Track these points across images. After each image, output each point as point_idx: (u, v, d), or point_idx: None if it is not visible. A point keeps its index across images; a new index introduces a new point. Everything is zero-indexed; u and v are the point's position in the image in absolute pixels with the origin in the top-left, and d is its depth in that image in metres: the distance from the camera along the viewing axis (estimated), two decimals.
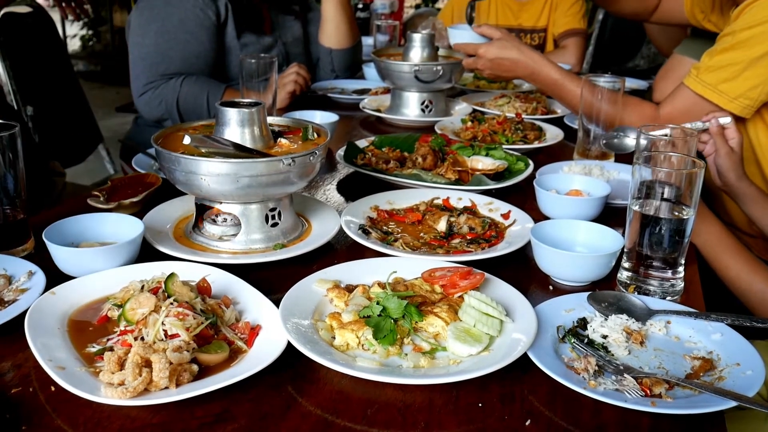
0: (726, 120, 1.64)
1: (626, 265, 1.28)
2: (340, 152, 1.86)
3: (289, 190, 1.37)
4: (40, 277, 1.18)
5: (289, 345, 1.01)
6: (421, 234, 1.46)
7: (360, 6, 5.32)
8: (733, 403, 0.92)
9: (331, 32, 2.84)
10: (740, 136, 1.65)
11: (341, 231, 1.43)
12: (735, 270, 1.44)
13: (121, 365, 0.95)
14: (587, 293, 1.19)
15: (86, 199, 1.52)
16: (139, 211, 1.49)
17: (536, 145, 2.08)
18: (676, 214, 1.22)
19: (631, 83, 2.99)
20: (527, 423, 0.92)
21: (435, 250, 1.38)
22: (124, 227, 1.32)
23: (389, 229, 1.47)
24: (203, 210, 1.39)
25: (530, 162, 1.84)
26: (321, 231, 1.44)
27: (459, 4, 3.70)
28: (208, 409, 0.92)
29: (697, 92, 1.86)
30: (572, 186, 1.64)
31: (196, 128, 1.47)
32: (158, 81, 2.40)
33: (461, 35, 2.24)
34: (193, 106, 2.40)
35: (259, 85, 1.99)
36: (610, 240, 1.32)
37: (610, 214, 1.55)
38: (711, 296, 1.35)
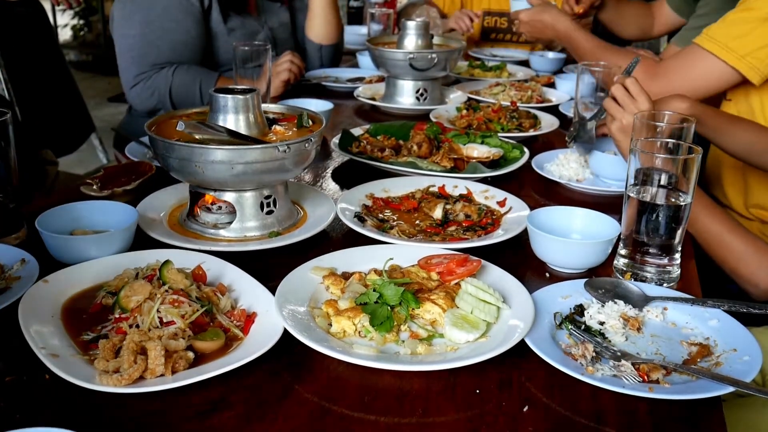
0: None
1: (623, 251, 1.28)
2: (335, 140, 1.85)
3: (284, 178, 1.36)
4: (33, 265, 1.17)
5: (286, 332, 1.00)
6: (417, 221, 1.46)
7: None
8: (730, 389, 0.92)
9: (321, 28, 2.81)
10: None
11: (336, 219, 1.42)
12: (695, 213, 1.42)
13: (116, 353, 0.94)
14: (584, 280, 1.19)
15: (79, 187, 1.50)
16: (133, 199, 1.47)
17: (532, 133, 2.08)
18: (673, 200, 1.22)
19: None
20: (525, 409, 0.91)
21: (431, 237, 1.37)
22: (118, 215, 1.31)
23: (385, 217, 1.47)
24: (198, 197, 1.38)
25: (525, 150, 1.83)
26: (316, 219, 1.43)
27: None
28: (204, 397, 0.91)
29: (705, 47, 1.82)
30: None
31: (190, 115, 1.46)
32: (149, 71, 2.37)
33: (518, 4, 2.74)
34: (186, 95, 2.37)
35: (253, 72, 1.98)
36: (606, 227, 1.32)
37: (606, 201, 1.55)
38: (707, 282, 1.35)
